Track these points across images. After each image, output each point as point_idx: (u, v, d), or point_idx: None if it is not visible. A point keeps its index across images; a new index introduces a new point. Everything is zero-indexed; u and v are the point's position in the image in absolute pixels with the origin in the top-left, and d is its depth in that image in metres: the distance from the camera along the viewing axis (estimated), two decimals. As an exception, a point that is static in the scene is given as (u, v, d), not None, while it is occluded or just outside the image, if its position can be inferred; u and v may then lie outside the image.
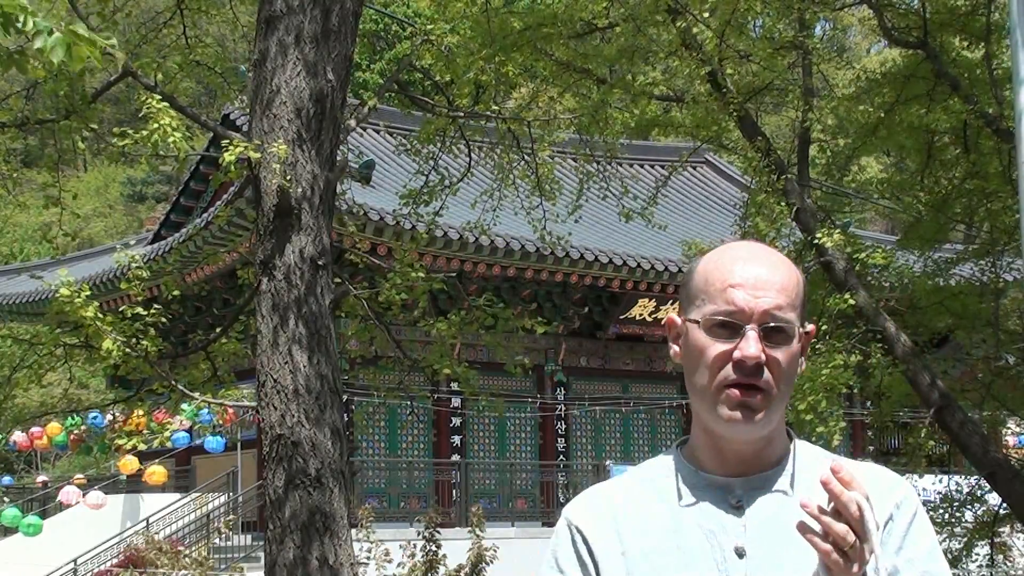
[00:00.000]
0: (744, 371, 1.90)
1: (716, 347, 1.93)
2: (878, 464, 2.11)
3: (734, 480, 1.97)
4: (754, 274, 1.94)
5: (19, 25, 3.63)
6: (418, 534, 14.13)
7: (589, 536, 2.01)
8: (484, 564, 13.86)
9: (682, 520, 1.96)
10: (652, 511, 1.99)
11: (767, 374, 1.91)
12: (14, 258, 40.13)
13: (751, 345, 1.90)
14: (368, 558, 13.25)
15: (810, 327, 2.00)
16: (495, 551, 13.93)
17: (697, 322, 1.96)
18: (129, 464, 21.98)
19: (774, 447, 1.99)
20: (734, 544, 1.92)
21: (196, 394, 8.34)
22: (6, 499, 25.89)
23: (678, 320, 2.02)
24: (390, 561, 13.64)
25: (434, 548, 13.78)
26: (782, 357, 1.93)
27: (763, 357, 1.90)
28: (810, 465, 2.00)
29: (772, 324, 1.92)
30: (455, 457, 22.77)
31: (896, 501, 1.97)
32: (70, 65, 3.59)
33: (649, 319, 24.29)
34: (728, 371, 1.92)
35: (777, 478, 1.98)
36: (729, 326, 1.92)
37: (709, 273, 1.98)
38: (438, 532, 13.92)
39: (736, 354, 1.91)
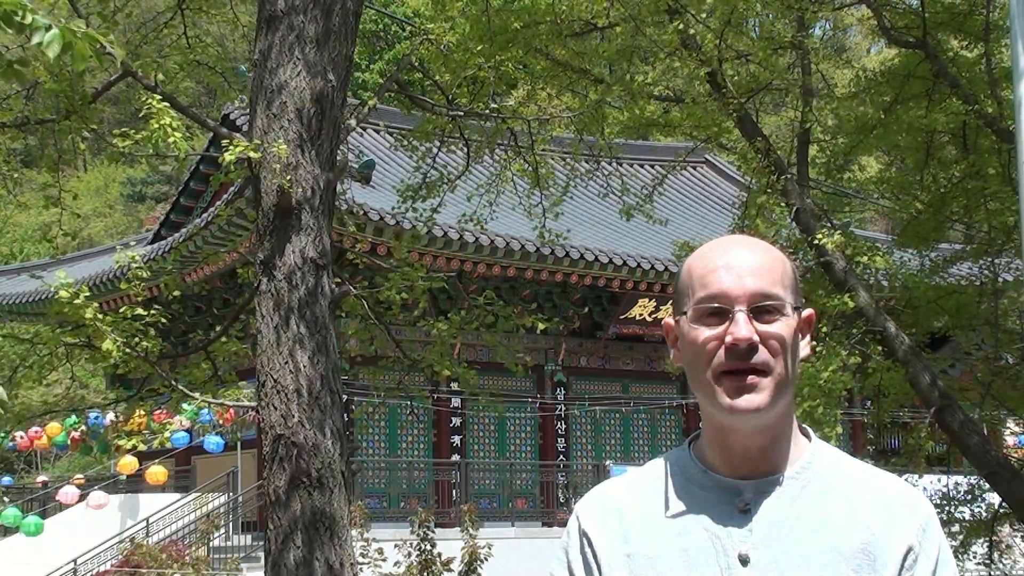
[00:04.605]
0: (737, 355, 1.87)
1: (707, 333, 1.90)
2: (885, 468, 2.08)
3: (743, 483, 1.93)
4: (736, 256, 1.92)
5: (19, 20, 3.63)
6: (411, 532, 14.22)
7: (595, 540, 2.00)
8: (478, 562, 14.00)
9: (688, 523, 1.93)
10: (659, 512, 1.96)
11: (763, 353, 1.88)
12: (14, 258, 40.13)
13: (741, 328, 1.87)
14: (363, 556, 13.30)
15: (808, 311, 1.96)
16: (489, 548, 14.09)
17: (687, 314, 1.93)
18: (129, 464, 22.00)
19: (781, 445, 1.95)
20: (738, 550, 1.88)
21: (196, 394, 8.34)
22: (6, 499, 25.87)
23: (672, 322, 2.00)
24: (384, 560, 13.71)
25: (428, 547, 13.87)
26: (776, 332, 1.89)
27: (755, 338, 1.87)
28: (825, 469, 1.96)
29: (760, 304, 1.89)
30: (455, 457, 22.78)
31: (920, 523, 1.93)
32: (73, 64, 3.59)
33: (649, 319, 24.30)
34: (721, 357, 1.89)
35: (787, 481, 1.93)
36: (718, 312, 1.90)
37: (693, 265, 1.96)
38: (432, 532, 14.01)
39: (727, 339, 1.88)
